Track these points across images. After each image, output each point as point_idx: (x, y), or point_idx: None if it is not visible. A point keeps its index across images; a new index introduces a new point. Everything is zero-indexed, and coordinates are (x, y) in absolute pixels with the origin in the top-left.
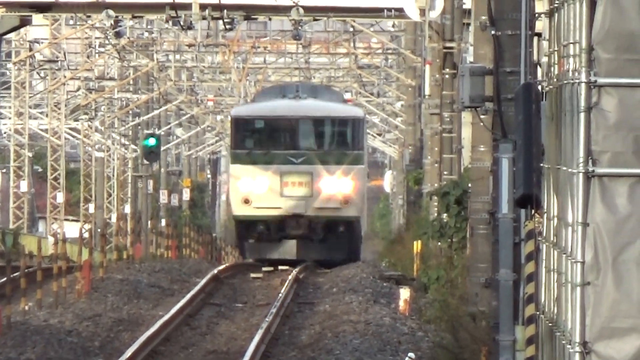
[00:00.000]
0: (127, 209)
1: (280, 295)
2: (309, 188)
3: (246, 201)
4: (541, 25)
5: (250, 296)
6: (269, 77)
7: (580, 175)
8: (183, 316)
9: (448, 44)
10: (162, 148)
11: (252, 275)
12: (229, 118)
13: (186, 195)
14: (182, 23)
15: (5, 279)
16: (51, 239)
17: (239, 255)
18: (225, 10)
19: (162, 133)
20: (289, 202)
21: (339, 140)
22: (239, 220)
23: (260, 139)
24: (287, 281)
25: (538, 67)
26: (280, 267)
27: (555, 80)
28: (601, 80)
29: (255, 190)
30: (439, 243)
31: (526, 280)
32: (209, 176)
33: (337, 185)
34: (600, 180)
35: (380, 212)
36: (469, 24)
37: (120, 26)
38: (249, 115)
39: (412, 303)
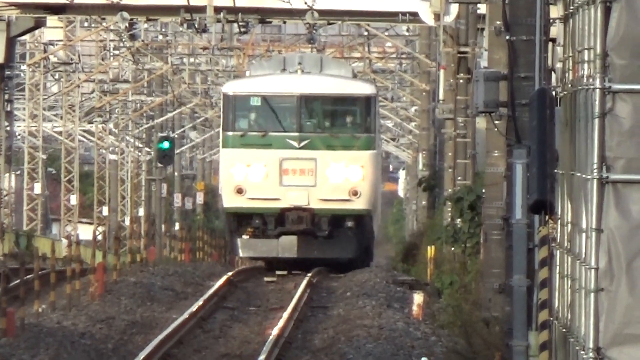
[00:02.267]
0: (141, 212)
1: (293, 299)
2: (313, 176)
3: (239, 191)
4: (556, 30)
5: (263, 300)
6: None
7: (595, 181)
8: (196, 319)
9: (462, 49)
10: (176, 151)
11: (266, 279)
12: (220, 94)
13: (200, 198)
14: (196, 26)
15: (19, 280)
16: (65, 242)
17: (230, 252)
18: (239, 14)
19: (176, 136)
20: (289, 193)
21: (348, 121)
22: (231, 212)
23: (257, 119)
24: (301, 285)
25: (552, 72)
26: (293, 272)
27: (569, 86)
28: (615, 87)
29: (250, 179)
30: (453, 248)
31: (540, 286)
32: None
33: (345, 174)
34: (614, 186)
35: (394, 217)
36: (483, 29)
37: (134, 28)
38: (243, 91)
39: (426, 308)
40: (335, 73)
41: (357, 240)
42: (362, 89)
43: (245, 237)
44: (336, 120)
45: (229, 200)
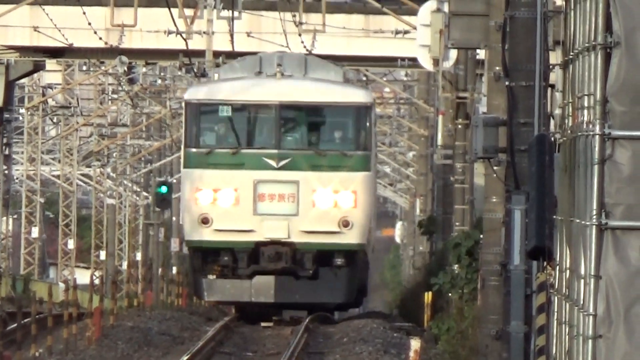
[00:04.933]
0: (138, 256)
1: (290, 344)
2: (294, 203)
3: (204, 221)
4: (555, 76)
5: (260, 345)
6: None
7: (594, 227)
8: None
9: (461, 94)
10: (174, 195)
11: (263, 324)
12: (182, 103)
13: None
14: (195, 70)
15: (15, 324)
16: (62, 286)
17: (194, 295)
18: (238, 58)
19: (174, 181)
20: (266, 223)
21: (338, 135)
22: (194, 247)
23: (226, 133)
24: (298, 330)
25: (551, 118)
26: (290, 316)
27: (569, 132)
28: (615, 133)
29: (218, 206)
30: (450, 294)
31: (537, 333)
32: None
33: (333, 200)
34: (613, 232)
35: (391, 262)
36: (482, 75)
37: (133, 72)
38: (210, 99)
39: (423, 354)
40: (323, 77)
41: (348, 281)
42: (356, 96)
43: (211, 277)
44: (323, 135)
45: (192, 233)
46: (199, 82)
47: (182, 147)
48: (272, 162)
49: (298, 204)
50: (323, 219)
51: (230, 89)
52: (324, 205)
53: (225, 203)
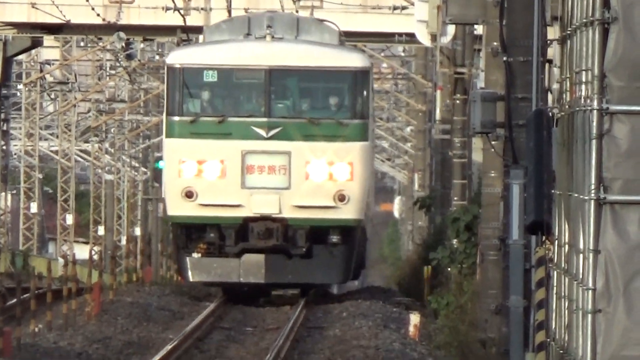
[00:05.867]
0: (137, 231)
1: (290, 319)
2: (286, 176)
3: (189, 195)
4: (553, 52)
5: (260, 320)
6: None
7: (592, 202)
8: (193, 340)
9: (459, 70)
10: None
11: (263, 299)
12: (164, 67)
13: None
14: None
15: (15, 300)
16: (61, 261)
17: (178, 275)
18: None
19: None
20: (255, 198)
21: (333, 102)
22: (177, 223)
23: (212, 100)
24: (298, 306)
25: (549, 93)
26: (290, 292)
27: (567, 107)
28: (613, 108)
29: (203, 179)
30: (449, 269)
31: (537, 307)
32: None
33: (328, 173)
34: (611, 207)
35: (390, 237)
36: (480, 50)
37: (131, 48)
38: (195, 63)
39: (422, 328)
40: (317, 39)
41: (345, 260)
42: (352, 60)
43: (196, 255)
44: (317, 102)
45: (175, 207)
46: (183, 45)
47: (164, 115)
48: (262, 132)
49: (290, 176)
50: (317, 192)
51: (216, 52)
52: (318, 177)
53: (211, 175)
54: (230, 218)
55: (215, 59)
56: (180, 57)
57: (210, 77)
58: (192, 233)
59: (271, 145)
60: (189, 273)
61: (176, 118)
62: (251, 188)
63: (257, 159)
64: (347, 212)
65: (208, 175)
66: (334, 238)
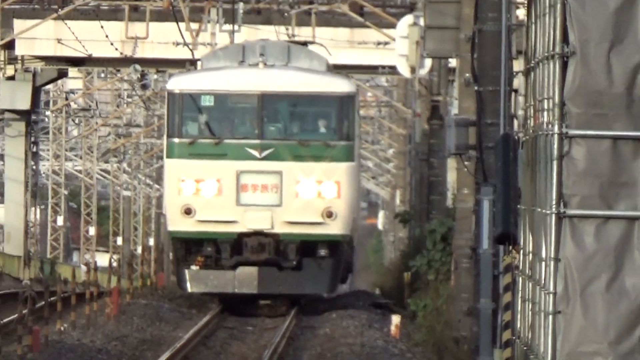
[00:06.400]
0: (151, 241)
1: (285, 320)
2: (277, 194)
3: (187, 212)
4: (518, 82)
5: (259, 320)
6: None
7: (553, 216)
8: (200, 337)
9: (435, 98)
10: None
11: (261, 301)
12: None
13: None
14: None
15: (43, 302)
16: (84, 268)
17: (178, 286)
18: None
19: None
20: (249, 214)
21: (321, 125)
22: (177, 238)
23: (209, 123)
24: (292, 309)
25: (515, 119)
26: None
27: (531, 131)
28: (572, 132)
29: (201, 197)
30: (427, 275)
31: (504, 309)
32: None
33: (317, 191)
34: (570, 220)
35: (374, 247)
36: (454, 81)
37: (145, 79)
38: (193, 88)
39: (403, 328)
40: (306, 66)
41: (332, 272)
42: (339, 85)
43: (194, 267)
44: (306, 125)
45: (175, 223)
46: (182, 72)
47: (165, 137)
48: (255, 153)
49: (281, 194)
50: (306, 209)
51: (212, 78)
52: (307, 195)
53: (208, 193)
54: (226, 233)
55: (211, 85)
56: (179, 83)
57: (207, 101)
58: (190, 247)
59: (264, 166)
60: (188, 284)
61: (176, 140)
62: (245, 205)
63: (250, 178)
64: (334, 228)
65: (205, 193)
66: (322, 252)
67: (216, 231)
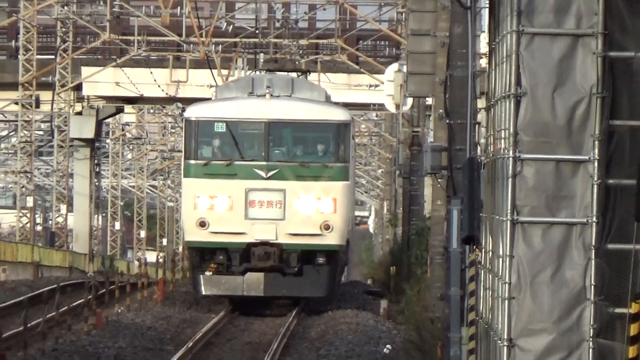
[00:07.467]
0: None
1: (296, 306)
2: (281, 209)
3: (202, 224)
4: (481, 116)
5: (275, 305)
6: None
7: (508, 222)
8: (228, 318)
9: (415, 129)
10: None
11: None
12: (182, 119)
13: None
14: None
15: (104, 290)
16: (136, 263)
17: (193, 289)
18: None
19: None
20: (256, 227)
21: (320, 149)
22: (193, 247)
23: (221, 147)
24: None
25: (478, 146)
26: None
27: (491, 155)
28: (523, 156)
29: (214, 211)
30: (413, 268)
31: (469, 295)
32: None
33: (316, 206)
34: (522, 225)
35: (366, 246)
36: (430, 115)
37: None
38: (207, 116)
39: (390, 310)
40: (307, 96)
41: (329, 277)
42: (335, 114)
43: (208, 273)
44: (307, 149)
45: (191, 234)
46: (198, 102)
47: (182, 159)
48: (262, 173)
49: (284, 209)
50: (306, 222)
51: (224, 107)
52: (308, 210)
53: (221, 208)
54: (236, 243)
55: (224, 113)
56: (195, 111)
57: (220, 128)
58: (204, 255)
59: (269, 184)
60: (202, 288)
61: (192, 161)
62: (253, 219)
63: (258, 195)
64: (331, 239)
65: (218, 208)
66: (320, 259)
67: (227, 241)
